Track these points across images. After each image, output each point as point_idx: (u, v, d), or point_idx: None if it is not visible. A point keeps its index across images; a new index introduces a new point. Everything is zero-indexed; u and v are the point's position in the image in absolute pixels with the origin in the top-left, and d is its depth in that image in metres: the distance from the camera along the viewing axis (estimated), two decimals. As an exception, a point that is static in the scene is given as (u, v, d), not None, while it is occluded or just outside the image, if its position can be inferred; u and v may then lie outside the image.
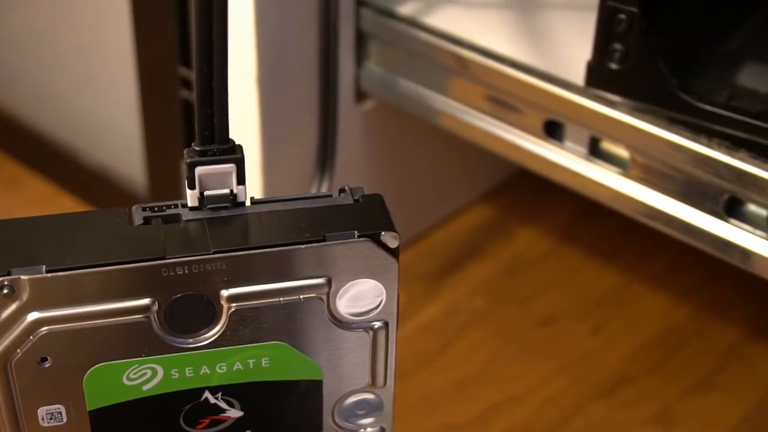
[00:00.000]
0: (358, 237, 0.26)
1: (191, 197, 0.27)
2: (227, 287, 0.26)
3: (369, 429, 0.30)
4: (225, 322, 0.27)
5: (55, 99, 0.55)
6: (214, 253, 0.26)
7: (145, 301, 0.26)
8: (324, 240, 0.26)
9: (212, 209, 0.27)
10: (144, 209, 0.27)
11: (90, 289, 0.26)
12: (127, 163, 0.51)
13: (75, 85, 0.52)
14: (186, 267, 0.26)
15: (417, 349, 0.47)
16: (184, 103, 0.44)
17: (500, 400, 0.45)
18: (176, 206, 0.27)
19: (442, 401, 0.45)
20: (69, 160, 0.55)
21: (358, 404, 0.30)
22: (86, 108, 0.53)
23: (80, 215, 0.27)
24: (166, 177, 0.46)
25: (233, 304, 0.26)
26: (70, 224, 0.27)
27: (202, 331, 0.27)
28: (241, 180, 0.27)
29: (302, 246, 0.26)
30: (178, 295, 0.26)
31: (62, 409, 0.27)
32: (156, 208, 0.27)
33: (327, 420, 0.29)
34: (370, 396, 0.29)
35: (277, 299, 0.27)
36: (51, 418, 0.28)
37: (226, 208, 0.27)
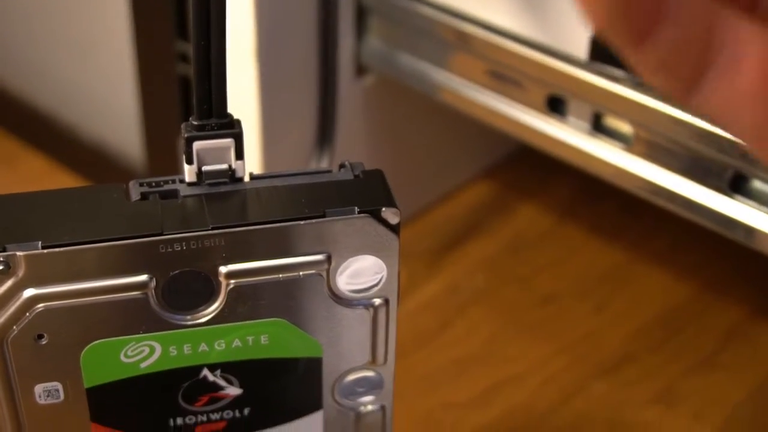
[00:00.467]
0: (359, 213, 0.26)
1: (189, 172, 0.26)
2: (226, 264, 0.26)
3: (369, 407, 0.30)
4: (224, 298, 0.26)
5: (51, 74, 0.54)
6: (212, 229, 0.25)
7: (143, 277, 0.26)
8: (324, 216, 0.26)
9: (210, 185, 0.26)
10: (141, 185, 0.26)
11: (87, 265, 0.25)
12: (124, 139, 0.51)
13: (71, 60, 0.51)
14: (184, 243, 0.25)
15: (417, 327, 0.47)
16: (181, 77, 0.43)
17: (501, 378, 0.45)
18: (174, 182, 0.27)
19: (442, 380, 0.45)
20: (66, 136, 0.55)
21: (358, 382, 0.29)
22: (83, 83, 0.53)
23: (77, 191, 0.27)
24: (164, 152, 0.45)
25: (232, 281, 0.26)
26: (66, 200, 0.26)
27: (200, 308, 0.26)
28: (239, 155, 0.26)
29: (302, 222, 0.25)
30: (176, 272, 0.26)
31: (59, 386, 0.27)
32: (153, 184, 0.27)
33: (327, 398, 0.29)
34: (370, 374, 0.29)
35: (277, 276, 0.26)
36: (48, 396, 0.27)
37: (224, 183, 0.26)
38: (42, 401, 0.27)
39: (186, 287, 0.26)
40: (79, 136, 0.54)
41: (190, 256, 0.25)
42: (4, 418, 0.27)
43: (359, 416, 0.30)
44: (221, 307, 0.26)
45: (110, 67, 0.49)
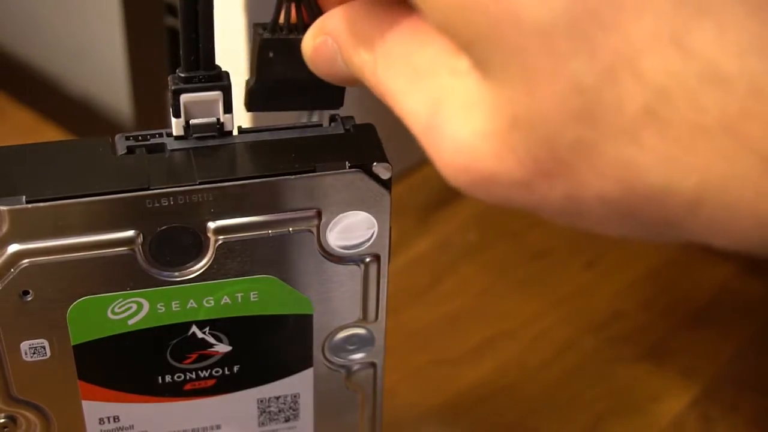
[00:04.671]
0: (349, 168, 0.25)
1: (176, 126, 0.26)
2: (214, 219, 0.25)
3: (360, 364, 0.30)
4: (212, 254, 0.26)
5: (37, 27, 0.53)
6: (200, 183, 0.25)
7: (129, 233, 0.25)
8: (314, 171, 0.25)
9: (198, 138, 0.26)
10: (128, 138, 0.26)
11: (72, 220, 0.25)
12: (111, 92, 0.50)
13: (57, 12, 0.50)
14: (171, 198, 0.25)
15: (408, 283, 0.47)
16: (169, 29, 0.42)
17: (492, 334, 0.45)
18: (161, 135, 0.26)
19: (433, 336, 0.44)
20: (52, 90, 0.54)
21: (349, 339, 0.29)
22: (69, 36, 0.52)
23: (62, 144, 0.26)
24: (151, 105, 0.45)
25: (220, 237, 0.26)
26: (51, 154, 0.26)
27: (188, 264, 0.26)
28: (228, 108, 0.26)
29: (291, 177, 0.25)
30: (164, 227, 0.25)
31: (45, 343, 0.27)
32: (140, 138, 0.26)
33: (317, 355, 0.29)
34: (361, 331, 0.29)
35: (266, 231, 0.26)
36: (34, 353, 0.27)
37: (212, 137, 0.26)
38: (28, 358, 0.27)
39: (174, 243, 0.26)
40: (65, 89, 0.53)
41: (177, 211, 0.25)
42: (-9, 375, 0.27)
43: (350, 374, 0.30)
44: (210, 263, 0.26)
45: (97, 19, 0.48)
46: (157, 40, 0.41)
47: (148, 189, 0.25)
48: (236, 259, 0.26)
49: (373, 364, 0.30)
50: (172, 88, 0.25)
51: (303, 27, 0.24)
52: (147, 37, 0.42)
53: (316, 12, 0.24)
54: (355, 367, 0.30)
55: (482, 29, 0.18)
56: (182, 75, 0.25)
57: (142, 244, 0.25)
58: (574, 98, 0.18)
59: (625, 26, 0.17)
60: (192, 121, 0.26)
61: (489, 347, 0.44)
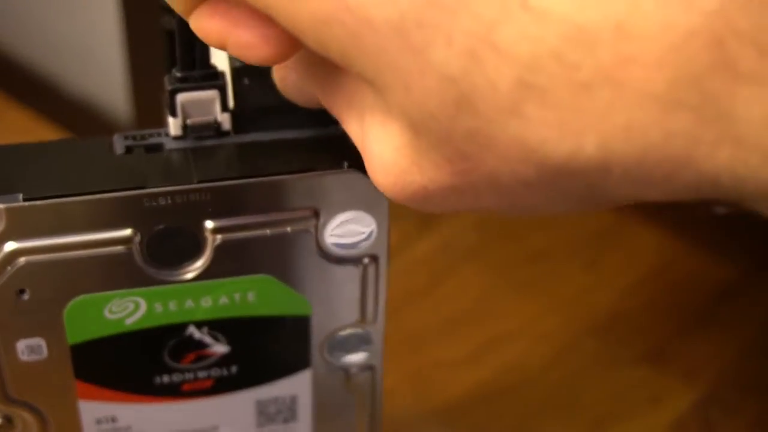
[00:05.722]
0: (347, 167, 0.25)
1: (174, 126, 0.26)
2: (212, 218, 0.25)
3: (358, 366, 0.30)
4: (210, 254, 0.26)
5: (36, 26, 0.53)
6: (197, 183, 0.25)
7: (127, 232, 0.25)
8: (312, 170, 0.25)
9: (196, 138, 0.26)
10: (126, 138, 0.26)
11: (69, 218, 0.25)
12: (109, 92, 0.50)
13: (55, 11, 0.50)
14: (169, 197, 0.25)
15: (408, 285, 0.46)
16: (168, 30, 0.42)
17: (492, 336, 0.44)
18: (159, 135, 0.26)
19: (433, 338, 0.44)
20: (50, 89, 0.54)
21: (348, 340, 0.29)
22: (67, 35, 0.51)
23: (60, 143, 0.26)
24: (150, 106, 0.45)
25: (218, 236, 0.25)
26: (49, 152, 0.26)
27: (186, 264, 0.26)
28: (225, 107, 0.26)
29: (289, 176, 0.25)
30: (161, 227, 0.25)
31: (42, 342, 0.27)
32: (138, 137, 0.26)
33: (315, 356, 0.29)
34: (359, 332, 0.29)
35: (264, 231, 0.26)
36: (31, 352, 0.27)
37: (210, 137, 0.26)
38: (25, 358, 0.27)
39: (171, 242, 0.25)
40: (63, 89, 0.53)
41: (175, 210, 0.25)
42: (-13, 374, 0.27)
43: (348, 375, 0.30)
44: (208, 263, 0.26)
45: (96, 19, 0.48)
46: (155, 40, 0.40)
47: (145, 188, 0.24)
48: (234, 258, 0.26)
49: (371, 366, 0.30)
50: (169, 88, 0.25)
51: None
52: (146, 37, 0.42)
53: None
54: (354, 369, 0.30)
55: (347, 41, 0.18)
56: (178, 75, 0.25)
57: (140, 243, 0.25)
58: (448, 89, 0.17)
59: (470, 4, 0.17)
60: (189, 121, 0.25)
61: (489, 349, 0.44)
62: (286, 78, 0.24)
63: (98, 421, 0.29)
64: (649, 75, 0.16)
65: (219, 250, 0.26)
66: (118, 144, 0.26)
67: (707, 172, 0.17)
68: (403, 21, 0.17)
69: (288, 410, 0.30)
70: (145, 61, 0.44)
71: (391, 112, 0.19)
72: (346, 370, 0.29)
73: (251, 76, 0.25)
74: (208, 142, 0.26)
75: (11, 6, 0.54)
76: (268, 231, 0.26)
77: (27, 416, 0.28)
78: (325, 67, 0.21)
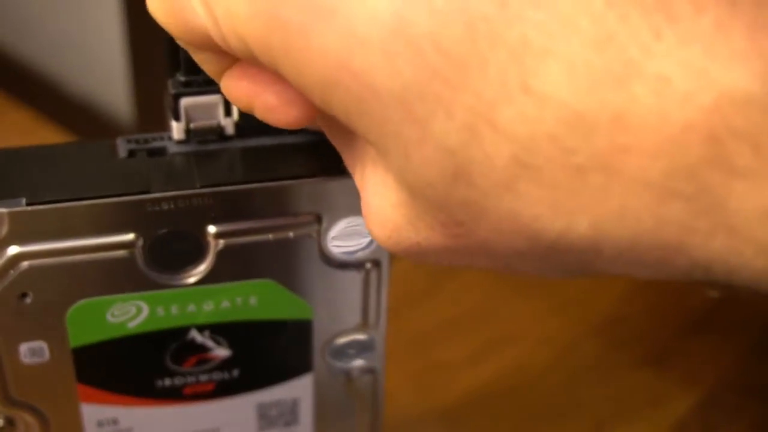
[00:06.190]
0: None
1: (177, 130, 0.26)
2: (215, 223, 0.25)
3: (360, 370, 0.30)
4: (212, 259, 0.26)
5: (38, 27, 0.53)
6: (200, 188, 0.25)
7: (129, 236, 0.25)
8: (314, 175, 0.25)
9: (199, 142, 0.26)
10: (129, 141, 0.26)
11: (72, 223, 0.25)
12: (112, 94, 0.50)
13: (57, 12, 0.50)
14: (172, 202, 0.25)
15: (410, 287, 0.46)
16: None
17: (493, 338, 0.44)
18: (162, 139, 0.26)
19: (435, 339, 0.44)
20: (52, 90, 0.54)
21: (350, 344, 0.29)
22: (70, 36, 0.51)
23: (63, 147, 0.26)
24: (151, 106, 0.45)
25: (221, 241, 0.25)
26: (52, 156, 0.25)
27: (188, 268, 0.26)
28: (228, 111, 0.26)
29: (292, 182, 0.25)
30: (164, 231, 0.25)
31: (44, 346, 0.27)
32: (141, 141, 0.26)
33: (317, 360, 0.29)
34: (361, 336, 0.29)
35: (266, 236, 0.26)
36: (33, 355, 0.27)
37: (213, 141, 0.26)
38: (27, 360, 0.27)
39: (174, 247, 0.25)
40: (65, 89, 0.53)
41: (178, 215, 0.25)
42: (-11, 377, 0.27)
43: (350, 379, 0.30)
44: (210, 267, 0.26)
45: (98, 19, 0.48)
46: (157, 41, 0.40)
47: (148, 192, 0.24)
48: (236, 263, 0.26)
49: (373, 370, 0.30)
50: (173, 92, 0.25)
51: None
52: (147, 38, 0.42)
53: None
54: (355, 373, 0.30)
55: (350, 105, 0.18)
56: (182, 79, 0.25)
57: (142, 248, 0.25)
58: (446, 159, 0.18)
59: (472, 83, 0.17)
60: (192, 125, 0.25)
61: (490, 351, 0.44)
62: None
63: (100, 424, 0.29)
64: (645, 164, 0.16)
65: (221, 254, 0.26)
66: (121, 148, 0.26)
67: (700, 259, 0.17)
68: (406, 91, 0.17)
69: (289, 414, 0.30)
70: (147, 61, 0.44)
71: (388, 173, 0.20)
72: (347, 373, 0.29)
73: None
74: (212, 147, 0.26)
75: (13, 6, 0.54)
76: (270, 236, 0.26)
77: (29, 418, 0.28)
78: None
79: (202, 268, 0.26)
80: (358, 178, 0.22)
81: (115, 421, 0.29)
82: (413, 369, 0.43)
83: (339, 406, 0.30)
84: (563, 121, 0.16)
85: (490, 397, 0.42)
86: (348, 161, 0.22)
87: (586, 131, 0.16)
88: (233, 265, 0.26)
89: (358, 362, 0.29)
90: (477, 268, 0.21)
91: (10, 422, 0.28)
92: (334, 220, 0.26)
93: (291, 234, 0.26)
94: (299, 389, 0.29)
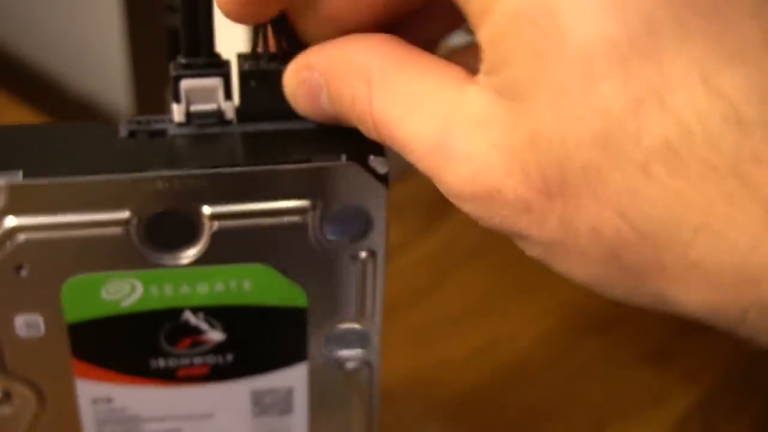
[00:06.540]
0: (345, 160, 0.25)
1: (177, 112, 0.26)
2: (210, 204, 0.25)
3: (355, 362, 0.29)
4: (207, 240, 0.26)
5: (37, 25, 0.54)
6: (196, 168, 0.25)
7: (125, 214, 0.25)
8: (309, 161, 0.25)
9: (200, 126, 0.26)
10: (130, 123, 0.26)
11: (68, 198, 0.25)
12: (111, 91, 0.50)
13: (57, 10, 0.50)
14: (168, 182, 0.25)
15: (410, 283, 0.46)
16: (169, 28, 0.42)
17: (494, 335, 0.44)
18: (163, 121, 0.26)
19: (436, 336, 0.44)
20: (51, 88, 0.54)
21: (344, 336, 0.29)
22: (69, 34, 0.52)
23: (64, 125, 0.27)
24: (151, 105, 0.45)
25: (216, 223, 0.26)
26: (53, 133, 0.26)
27: (182, 249, 0.26)
28: (228, 95, 0.26)
29: (287, 166, 0.25)
30: (159, 211, 0.25)
31: (40, 320, 0.27)
32: (143, 122, 0.26)
33: (312, 349, 0.29)
34: (356, 328, 0.29)
35: (261, 220, 0.26)
36: (29, 328, 0.27)
37: (213, 125, 0.26)
38: (23, 334, 0.27)
39: (169, 226, 0.26)
40: (65, 87, 0.54)
41: (173, 195, 0.25)
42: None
43: (345, 372, 0.29)
44: (204, 248, 0.26)
45: (97, 17, 0.49)
46: (157, 38, 0.41)
47: (144, 171, 0.25)
48: (231, 246, 0.26)
49: (368, 363, 0.30)
50: (173, 74, 0.25)
51: (283, 56, 0.25)
52: (147, 35, 0.42)
53: (294, 42, 0.25)
54: (351, 365, 0.29)
55: (526, 34, 0.19)
56: (183, 61, 0.25)
57: (137, 226, 0.25)
58: (596, 121, 0.18)
59: (662, 59, 0.18)
60: (192, 108, 0.26)
61: (490, 348, 0.44)
62: (306, 83, 0.24)
63: (94, 401, 0.29)
64: None
65: (216, 236, 0.26)
66: (123, 128, 0.26)
67: None
68: (595, 46, 0.18)
69: (284, 402, 0.30)
70: (147, 59, 0.44)
71: (501, 117, 0.20)
72: (342, 366, 0.29)
73: (258, 80, 0.25)
74: (211, 130, 0.26)
75: (13, 4, 0.54)
76: (264, 220, 0.26)
77: (26, 392, 0.28)
78: (389, 63, 0.22)
79: (196, 249, 0.26)
80: (422, 123, 0.21)
81: (109, 399, 0.29)
82: (413, 365, 0.43)
83: (334, 399, 0.30)
84: (726, 119, 0.17)
85: (491, 395, 0.42)
86: (405, 110, 0.22)
87: (740, 135, 0.17)
88: (227, 248, 0.26)
89: (353, 354, 0.29)
90: (523, 236, 0.21)
91: (6, 395, 0.29)
92: (328, 208, 0.26)
93: (285, 219, 0.26)
94: (294, 378, 0.29)
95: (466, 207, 0.21)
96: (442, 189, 0.22)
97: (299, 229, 0.26)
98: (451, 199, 0.22)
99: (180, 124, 0.26)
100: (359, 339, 0.29)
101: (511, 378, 0.43)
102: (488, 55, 0.20)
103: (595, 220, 0.19)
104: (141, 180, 0.25)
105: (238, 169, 0.25)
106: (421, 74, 0.22)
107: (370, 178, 0.25)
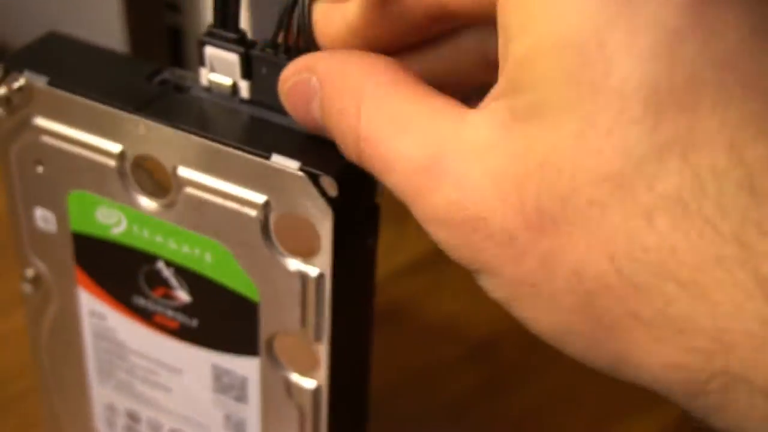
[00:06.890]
0: (299, 169, 0.24)
1: (203, 75, 0.27)
2: (183, 166, 0.26)
3: (301, 381, 0.29)
4: (176, 199, 0.27)
5: (37, 25, 0.53)
6: (173, 126, 0.26)
7: (117, 147, 0.27)
8: (267, 158, 0.25)
9: (219, 96, 0.27)
10: (171, 71, 0.28)
11: (80, 116, 0.27)
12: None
13: (56, 10, 0.51)
14: (150, 130, 0.26)
15: (410, 283, 0.45)
16: (169, 27, 0.42)
17: (494, 335, 0.43)
18: (194, 81, 0.27)
19: (434, 337, 0.43)
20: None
21: (291, 350, 0.28)
22: (69, 33, 0.51)
23: (110, 53, 0.29)
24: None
25: (185, 187, 0.26)
26: (95, 55, 0.28)
27: (157, 197, 0.27)
28: (246, 74, 0.26)
29: (245, 154, 0.25)
30: (141, 154, 0.27)
31: (53, 217, 0.30)
32: (177, 76, 0.28)
33: (261, 350, 0.29)
34: (303, 345, 0.28)
35: (223, 201, 0.26)
36: (45, 222, 0.30)
37: (229, 99, 0.27)
38: (41, 225, 0.30)
39: (148, 172, 0.27)
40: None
41: (154, 144, 0.26)
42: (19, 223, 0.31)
43: (290, 388, 0.29)
44: (173, 206, 0.27)
45: (97, 17, 0.48)
46: (158, 38, 0.40)
47: (132, 112, 0.26)
48: (196, 214, 0.27)
49: (317, 387, 0.29)
50: (202, 38, 0.26)
51: (296, 51, 0.25)
52: (148, 35, 0.42)
53: (310, 42, 0.24)
54: (297, 384, 0.29)
55: (567, 59, 0.18)
56: (211, 30, 0.26)
57: (124, 162, 0.27)
58: (616, 159, 0.18)
59: (697, 116, 0.18)
60: (210, 76, 0.27)
61: (490, 348, 0.43)
62: (301, 85, 0.24)
63: (91, 314, 0.31)
64: None
65: (183, 199, 0.27)
66: (161, 75, 0.28)
67: None
68: (636, 90, 0.18)
69: (239, 389, 0.30)
70: (147, 59, 0.43)
71: (506, 144, 0.20)
72: (287, 381, 0.29)
73: (269, 68, 0.26)
74: (226, 103, 0.27)
75: (13, 4, 0.54)
76: (225, 202, 0.26)
77: (48, 280, 0.31)
78: (383, 84, 0.22)
79: (165, 203, 0.27)
80: (412, 145, 0.21)
81: (103, 317, 0.31)
82: (413, 366, 0.42)
83: (281, 411, 0.29)
84: (740, 184, 0.17)
85: (490, 394, 0.41)
86: (394, 131, 0.22)
87: (751, 200, 0.17)
88: (192, 215, 0.27)
89: (300, 372, 0.28)
90: (492, 274, 0.21)
91: (37, 278, 0.32)
92: (280, 211, 0.25)
93: (243, 209, 0.26)
94: (247, 369, 0.29)
95: (442, 234, 0.21)
96: (420, 212, 0.21)
97: (252, 222, 0.26)
98: (426, 224, 0.21)
99: (205, 89, 0.27)
100: (307, 359, 0.28)
101: (511, 377, 0.42)
102: (514, 74, 0.20)
103: (580, 262, 0.18)
104: (129, 120, 0.26)
105: (205, 140, 0.25)
106: (416, 99, 0.22)
107: (318, 196, 0.24)
